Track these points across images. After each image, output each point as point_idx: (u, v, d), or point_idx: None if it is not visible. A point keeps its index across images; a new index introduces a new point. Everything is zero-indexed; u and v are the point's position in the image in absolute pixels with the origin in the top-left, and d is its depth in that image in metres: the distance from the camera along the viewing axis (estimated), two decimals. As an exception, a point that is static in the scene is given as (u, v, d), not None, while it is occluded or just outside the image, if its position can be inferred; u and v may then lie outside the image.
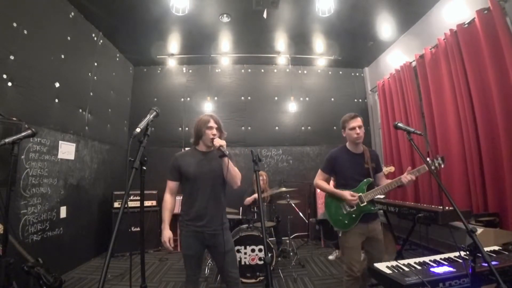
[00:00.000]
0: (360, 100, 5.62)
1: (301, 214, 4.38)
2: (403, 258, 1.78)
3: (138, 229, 3.76)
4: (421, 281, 1.17)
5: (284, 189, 3.67)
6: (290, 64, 5.35)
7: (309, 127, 5.40)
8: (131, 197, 4.06)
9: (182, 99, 5.32)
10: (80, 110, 3.67)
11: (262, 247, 2.91)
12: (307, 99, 5.48)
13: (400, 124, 1.71)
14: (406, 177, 1.89)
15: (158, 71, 5.39)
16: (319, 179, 2.19)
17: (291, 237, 3.66)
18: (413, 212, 2.81)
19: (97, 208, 3.99)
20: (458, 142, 3.11)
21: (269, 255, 1.55)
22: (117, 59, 4.71)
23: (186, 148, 2.30)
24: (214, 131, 1.85)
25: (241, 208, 4.06)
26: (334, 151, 2.18)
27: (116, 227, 0.97)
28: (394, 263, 1.43)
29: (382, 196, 3.54)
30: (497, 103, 2.64)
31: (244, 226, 3.22)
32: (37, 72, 2.88)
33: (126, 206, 1.05)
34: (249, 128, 5.30)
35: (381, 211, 3.25)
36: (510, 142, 2.56)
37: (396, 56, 4.53)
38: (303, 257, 3.70)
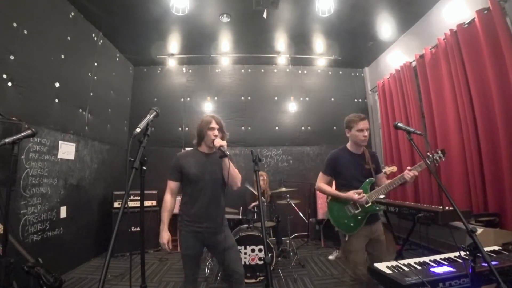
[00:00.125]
0: (360, 100, 5.62)
1: (301, 214, 4.38)
2: (403, 258, 1.78)
3: (138, 229, 3.76)
4: (421, 281, 1.17)
5: (284, 189, 3.67)
6: (290, 64, 5.35)
7: (309, 127, 5.40)
8: (131, 197, 4.07)
9: (182, 99, 5.32)
10: (80, 110, 3.67)
11: (262, 247, 2.91)
12: (307, 99, 5.48)
13: (400, 124, 1.70)
14: (409, 173, 1.86)
15: (158, 71, 5.39)
16: (321, 183, 2.13)
17: (291, 237, 3.66)
18: (413, 212, 2.82)
19: (97, 208, 3.99)
20: (458, 142, 3.11)
21: (269, 255, 1.55)
22: (117, 59, 4.71)
23: (187, 148, 2.30)
24: (216, 132, 1.85)
25: (241, 208, 4.06)
26: (335, 152, 2.14)
27: (116, 227, 0.97)
28: (394, 263, 1.43)
29: (382, 196, 3.54)
30: (497, 103, 2.64)
31: (244, 226, 3.23)
32: (37, 72, 2.88)
33: (126, 206, 1.05)
34: (249, 128, 5.30)
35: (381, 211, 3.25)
36: (510, 142, 2.57)
37: (396, 56, 4.53)
38: (303, 257, 3.70)
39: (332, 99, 5.53)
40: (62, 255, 3.09)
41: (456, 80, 3.12)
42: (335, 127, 5.35)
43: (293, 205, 3.89)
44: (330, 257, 3.70)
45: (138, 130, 1.23)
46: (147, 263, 3.46)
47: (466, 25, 2.99)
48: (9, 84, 2.54)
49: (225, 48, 4.84)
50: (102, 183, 4.12)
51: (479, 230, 2.34)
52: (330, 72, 5.65)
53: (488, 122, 2.78)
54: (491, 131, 2.76)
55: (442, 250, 2.42)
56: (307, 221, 4.61)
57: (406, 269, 1.34)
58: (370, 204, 1.96)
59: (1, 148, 1.67)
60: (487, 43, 2.72)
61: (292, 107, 5.16)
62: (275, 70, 5.53)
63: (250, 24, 4.06)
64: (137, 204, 4.01)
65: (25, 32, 2.70)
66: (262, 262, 2.87)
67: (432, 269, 1.31)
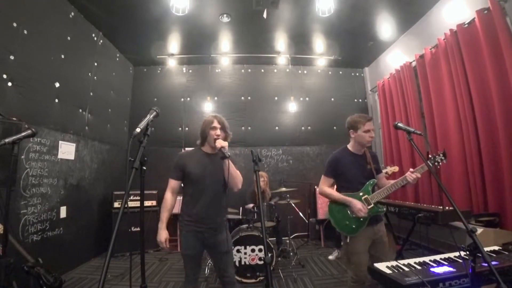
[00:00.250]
0: (360, 100, 5.62)
1: (301, 214, 4.38)
2: (403, 258, 1.77)
3: (138, 229, 3.75)
4: (421, 281, 1.17)
5: (284, 189, 3.67)
6: (290, 64, 5.35)
7: (309, 127, 5.40)
8: (131, 197, 4.07)
9: (182, 99, 5.32)
10: (80, 110, 3.67)
11: (262, 247, 2.91)
12: (307, 99, 5.48)
13: (400, 124, 1.70)
14: (412, 175, 1.85)
15: (158, 71, 5.39)
16: (324, 186, 2.08)
17: (291, 237, 3.66)
18: (413, 212, 2.81)
19: (97, 208, 3.99)
20: (458, 142, 3.11)
21: (269, 255, 1.55)
22: (117, 59, 4.71)
23: (187, 148, 2.30)
24: (218, 132, 1.83)
25: (241, 208, 4.06)
26: (336, 153, 2.10)
27: (116, 227, 0.97)
28: (394, 263, 1.42)
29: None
30: (497, 103, 2.64)
31: (244, 226, 3.22)
32: (37, 72, 2.88)
33: (126, 206, 1.05)
34: (249, 128, 5.30)
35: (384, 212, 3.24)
36: (510, 142, 2.57)
37: (396, 56, 4.53)
38: (303, 257, 3.70)
39: (332, 99, 5.53)
40: (62, 255, 3.09)
41: (456, 80, 3.12)
42: (335, 127, 5.35)
43: (293, 205, 3.89)
44: (330, 257, 3.70)
45: (138, 130, 1.23)
46: (147, 263, 3.46)
47: (466, 25, 2.99)
48: (9, 84, 2.54)
49: (225, 48, 4.84)
50: (102, 183, 4.12)
51: (479, 230, 2.33)
52: (330, 72, 5.65)
53: (488, 122, 2.78)
54: (491, 131, 2.76)
55: (442, 250, 2.42)
56: (307, 221, 4.61)
57: (406, 269, 1.34)
58: (372, 205, 1.94)
59: (1, 148, 1.67)
60: (487, 43, 2.72)
61: (292, 107, 5.16)
62: (275, 70, 5.53)
63: (250, 24, 4.06)
64: (137, 204, 4.01)
65: (25, 32, 2.70)
66: (262, 262, 2.87)
67: (432, 269, 1.31)
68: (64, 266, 3.14)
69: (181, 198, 1.92)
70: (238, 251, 2.90)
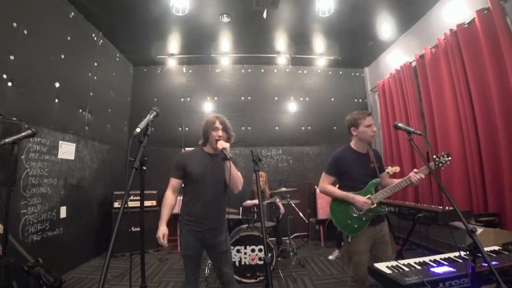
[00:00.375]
0: (360, 100, 5.62)
1: (301, 214, 4.38)
2: (403, 258, 1.77)
3: (138, 229, 3.76)
4: (421, 281, 1.17)
5: (284, 189, 3.67)
6: (290, 64, 5.35)
7: (309, 127, 5.40)
8: (131, 197, 4.07)
9: (182, 99, 5.32)
10: (80, 110, 3.67)
11: (262, 247, 2.91)
12: (307, 99, 5.48)
13: (400, 124, 1.69)
14: (416, 176, 1.83)
15: (158, 71, 5.39)
16: (325, 184, 2.05)
17: (291, 237, 3.66)
18: (413, 212, 2.82)
19: (97, 208, 3.99)
20: (458, 142, 3.12)
21: (269, 255, 1.54)
22: (117, 59, 4.71)
23: (187, 148, 2.29)
24: (220, 133, 1.82)
25: (241, 208, 4.06)
26: (339, 151, 2.07)
27: (116, 227, 0.97)
28: (394, 263, 1.42)
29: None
30: (497, 103, 2.64)
31: (244, 226, 3.23)
32: (37, 72, 2.88)
33: (126, 206, 1.05)
34: (249, 128, 5.30)
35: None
36: (510, 142, 2.57)
37: (396, 56, 4.53)
38: (303, 257, 3.70)
39: (332, 99, 5.53)
40: (62, 255, 3.09)
41: (456, 80, 3.12)
42: (335, 127, 5.35)
43: (293, 205, 3.89)
44: (330, 257, 3.70)
45: (138, 130, 1.23)
46: (147, 263, 3.46)
47: (466, 25, 2.99)
48: (9, 84, 2.54)
49: (225, 48, 4.84)
50: (102, 183, 4.12)
51: (479, 230, 2.34)
52: (330, 72, 5.65)
53: (488, 122, 2.78)
54: (491, 131, 2.76)
55: (442, 250, 2.42)
56: (307, 221, 4.61)
57: (406, 269, 1.34)
58: (375, 205, 1.92)
59: (1, 148, 1.67)
60: (487, 43, 2.73)
61: (292, 107, 5.16)
62: (275, 70, 5.53)
63: (250, 24, 4.06)
64: (137, 204, 4.01)
65: (25, 32, 2.70)
66: (262, 262, 2.87)
67: (432, 269, 1.31)
68: (64, 266, 3.14)
69: (181, 197, 1.92)
70: (238, 251, 2.90)
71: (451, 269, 1.29)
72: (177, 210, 1.96)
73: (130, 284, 1.25)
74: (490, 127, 2.76)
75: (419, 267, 1.36)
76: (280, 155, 5.23)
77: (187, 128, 5.20)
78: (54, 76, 3.14)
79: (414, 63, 3.97)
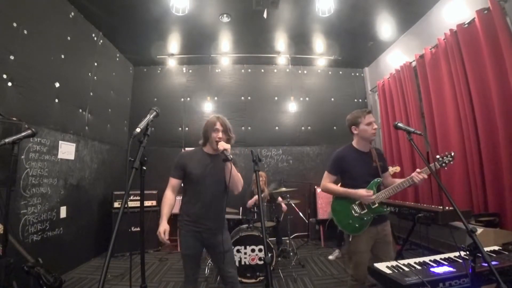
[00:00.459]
0: (360, 100, 5.62)
1: (301, 214, 4.38)
2: (403, 258, 1.77)
3: (138, 229, 3.76)
4: (421, 281, 1.17)
5: (284, 189, 3.67)
6: (290, 64, 5.35)
7: (309, 127, 5.40)
8: (131, 197, 4.07)
9: (182, 99, 5.32)
10: (80, 110, 3.67)
11: (262, 247, 2.91)
12: (307, 99, 5.48)
13: (400, 124, 1.69)
14: (419, 176, 1.81)
15: (158, 71, 5.39)
16: (327, 182, 2.04)
17: (291, 237, 3.66)
18: (413, 212, 2.82)
19: (97, 208, 3.99)
20: (458, 142, 3.12)
21: (269, 255, 1.54)
22: (117, 59, 4.71)
23: (187, 148, 2.29)
24: (220, 134, 1.81)
25: (241, 208, 4.06)
26: (341, 150, 2.06)
27: (116, 227, 0.97)
28: (394, 263, 1.42)
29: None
30: (497, 103, 2.64)
31: (244, 226, 3.22)
32: (37, 72, 2.88)
33: (126, 206, 1.05)
34: (249, 128, 5.30)
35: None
36: (510, 142, 2.57)
37: (396, 56, 4.53)
38: (303, 257, 3.70)
39: (332, 99, 5.53)
40: (62, 255, 3.09)
41: (456, 80, 3.12)
42: (335, 127, 5.35)
43: (293, 205, 3.89)
44: (330, 257, 3.70)
45: (138, 130, 1.23)
46: (147, 263, 3.46)
47: (466, 25, 2.99)
48: (9, 84, 2.54)
49: (225, 48, 4.84)
50: (102, 183, 4.12)
51: (479, 230, 2.34)
52: (330, 72, 5.65)
53: (488, 122, 2.78)
54: (491, 131, 2.76)
55: (442, 250, 2.42)
56: (307, 221, 4.61)
57: (406, 269, 1.34)
58: (377, 205, 1.90)
59: (1, 148, 1.67)
60: (487, 43, 2.73)
61: (292, 107, 5.16)
62: (275, 70, 5.53)
63: (250, 24, 4.06)
64: (137, 204, 4.01)
65: (25, 32, 2.70)
66: (262, 262, 2.87)
67: (432, 269, 1.31)
68: (64, 266, 3.14)
69: (181, 198, 1.92)
70: (238, 251, 2.90)
71: (451, 269, 1.29)
72: (176, 210, 1.96)
73: (130, 284, 1.25)
74: (490, 127, 2.76)
75: (419, 267, 1.36)
76: (280, 155, 5.23)
77: (187, 128, 5.20)
78: (54, 76, 3.14)
79: (414, 63, 3.97)
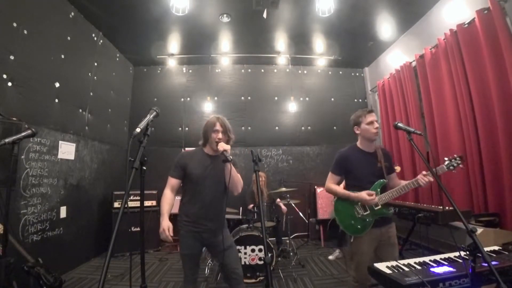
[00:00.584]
0: (360, 100, 5.62)
1: (301, 214, 4.38)
2: (403, 258, 1.77)
3: (138, 229, 3.76)
4: (421, 281, 1.17)
5: (284, 189, 3.68)
6: (290, 64, 5.35)
7: (309, 127, 5.40)
8: (131, 197, 4.07)
9: (182, 99, 5.32)
10: (80, 110, 3.67)
11: (262, 247, 2.91)
12: (307, 99, 5.48)
13: (400, 124, 1.68)
14: (424, 179, 1.78)
15: (158, 71, 5.39)
16: (330, 183, 2.02)
17: (291, 237, 3.66)
18: (413, 212, 2.82)
19: (97, 208, 3.99)
20: (458, 142, 3.12)
21: (269, 255, 1.54)
22: (117, 59, 4.71)
23: (187, 148, 2.29)
24: (220, 135, 1.81)
25: (241, 208, 4.06)
26: (344, 150, 2.03)
27: (116, 227, 0.97)
28: (394, 263, 1.42)
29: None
30: (497, 103, 2.64)
31: (244, 226, 3.22)
32: (37, 72, 2.88)
33: (126, 206, 1.05)
34: (249, 128, 5.30)
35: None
36: (510, 142, 2.57)
37: (396, 56, 4.53)
38: (303, 257, 3.70)
39: (332, 99, 5.53)
40: (62, 255, 3.09)
41: (456, 80, 3.12)
42: (335, 127, 5.35)
43: (293, 205, 3.89)
44: (330, 257, 3.70)
45: (138, 130, 1.23)
46: (147, 263, 3.46)
47: (466, 25, 2.99)
48: (9, 84, 2.54)
49: (225, 48, 4.84)
50: (102, 183, 4.12)
51: (479, 230, 2.34)
52: (330, 72, 5.65)
53: (488, 122, 2.78)
54: (491, 131, 2.76)
55: (442, 250, 2.42)
56: (307, 221, 4.61)
57: (406, 269, 1.34)
58: (379, 207, 1.88)
59: (1, 148, 1.67)
60: (487, 43, 2.73)
61: (292, 107, 5.16)
62: (275, 70, 5.53)
63: (250, 24, 4.06)
64: (137, 204, 4.01)
65: (25, 32, 2.70)
66: (262, 262, 2.87)
67: (432, 269, 1.31)
68: (64, 266, 3.14)
69: (180, 198, 1.92)
70: (238, 251, 2.89)
71: (451, 269, 1.29)
72: (175, 210, 1.96)
73: (130, 284, 1.25)
74: (490, 127, 2.76)
75: (419, 267, 1.36)
76: (280, 155, 5.23)
77: (187, 128, 5.20)
78: (54, 76, 3.14)
79: (414, 63, 3.97)
